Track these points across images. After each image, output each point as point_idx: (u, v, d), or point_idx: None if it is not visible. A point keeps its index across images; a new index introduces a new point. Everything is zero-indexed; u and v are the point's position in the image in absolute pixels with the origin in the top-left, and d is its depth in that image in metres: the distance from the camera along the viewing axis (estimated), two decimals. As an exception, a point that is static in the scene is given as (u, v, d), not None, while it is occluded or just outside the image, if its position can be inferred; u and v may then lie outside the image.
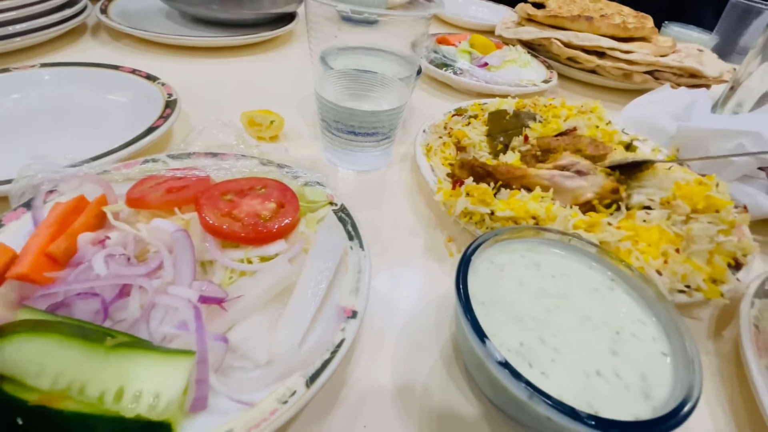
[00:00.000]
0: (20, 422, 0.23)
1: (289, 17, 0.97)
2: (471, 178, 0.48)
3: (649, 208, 0.47)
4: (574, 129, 0.58)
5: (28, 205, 0.39)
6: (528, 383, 0.25)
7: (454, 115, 0.64)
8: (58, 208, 0.37)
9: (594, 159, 0.51)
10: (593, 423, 0.24)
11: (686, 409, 0.25)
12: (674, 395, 0.27)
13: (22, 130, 0.55)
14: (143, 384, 0.25)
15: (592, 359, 0.29)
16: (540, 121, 0.61)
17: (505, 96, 0.70)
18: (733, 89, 0.77)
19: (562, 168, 0.48)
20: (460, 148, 0.57)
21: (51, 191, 0.40)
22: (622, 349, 0.30)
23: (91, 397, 0.24)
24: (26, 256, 0.32)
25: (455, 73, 0.82)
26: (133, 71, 0.64)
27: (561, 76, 0.93)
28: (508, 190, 0.47)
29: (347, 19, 0.46)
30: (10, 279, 0.31)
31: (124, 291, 0.32)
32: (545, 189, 0.46)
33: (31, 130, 0.55)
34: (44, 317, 0.29)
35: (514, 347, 0.29)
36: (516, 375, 0.25)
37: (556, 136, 0.57)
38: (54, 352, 0.25)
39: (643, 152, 0.60)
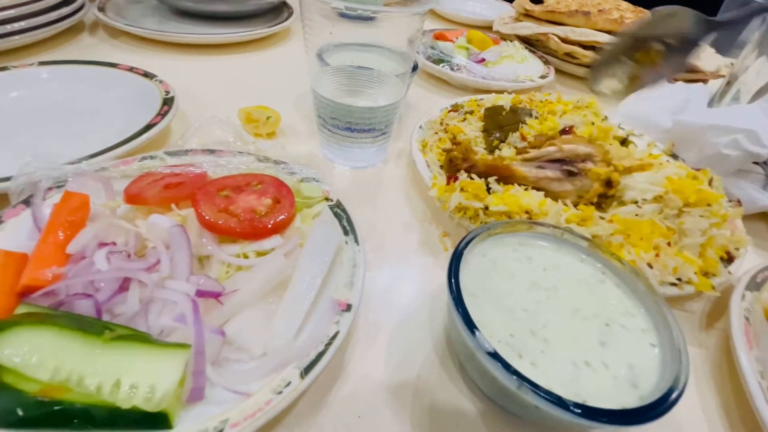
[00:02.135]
0: (21, 413, 0.24)
1: (284, 10, 0.98)
2: (465, 174, 0.48)
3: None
4: (572, 128, 0.58)
5: (27, 202, 0.39)
6: (516, 373, 0.25)
7: (450, 111, 0.64)
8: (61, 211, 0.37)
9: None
10: (579, 411, 0.24)
11: (672, 397, 0.26)
12: (661, 385, 0.27)
13: (20, 128, 0.55)
14: (139, 376, 0.25)
15: (580, 350, 0.29)
16: (536, 117, 0.61)
17: (501, 92, 0.71)
18: (729, 84, 0.77)
19: (555, 160, 0.49)
20: (456, 143, 0.57)
21: (50, 188, 0.41)
22: (611, 340, 0.30)
23: (89, 388, 0.25)
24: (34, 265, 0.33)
25: (452, 68, 0.82)
26: (131, 69, 0.64)
27: (558, 71, 0.93)
28: (501, 184, 0.48)
29: (343, 15, 0.46)
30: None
31: (123, 286, 0.33)
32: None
33: (29, 128, 0.56)
34: (44, 311, 0.29)
35: (504, 338, 0.29)
36: (505, 365, 0.26)
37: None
38: (54, 344, 0.26)
39: (638, 148, 0.61)
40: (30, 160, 0.41)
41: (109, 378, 0.25)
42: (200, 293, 0.32)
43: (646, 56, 0.43)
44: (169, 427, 0.26)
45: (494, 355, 0.26)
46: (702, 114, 0.69)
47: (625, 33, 0.44)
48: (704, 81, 0.89)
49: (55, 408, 0.24)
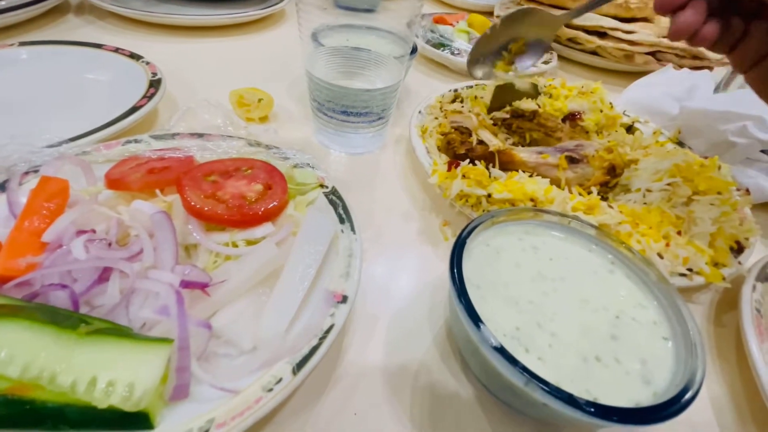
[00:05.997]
0: (-12, 412, 0.22)
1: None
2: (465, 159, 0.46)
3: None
4: (580, 116, 0.56)
5: (2, 187, 0.37)
6: (524, 369, 0.24)
7: (453, 101, 0.62)
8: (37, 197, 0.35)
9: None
10: (592, 410, 0.22)
11: (688, 395, 0.24)
12: (676, 381, 0.26)
13: (-1, 110, 0.53)
14: (117, 373, 0.23)
15: (590, 344, 0.28)
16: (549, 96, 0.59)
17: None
18: (735, 71, 0.75)
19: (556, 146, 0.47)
20: (455, 128, 0.55)
21: (27, 173, 0.38)
22: (622, 333, 0.29)
23: (62, 386, 0.23)
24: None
25: (452, 53, 0.80)
26: (116, 50, 0.62)
27: (561, 57, 0.91)
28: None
29: (338, 6, 0.44)
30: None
31: (103, 276, 0.31)
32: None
33: (8, 110, 0.53)
34: (16, 303, 0.27)
35: (509, 332, 0.28)
36: (512, 360, 0.24)
37: (563, 120, 0.56)
38: (25, 339, 0.24)
39: (644, 135, 0.59)
40: (6, 142, 0.39)
41: (85, 375, 0.23)
42: (185, 284, 0.30)
43: (513, 47, 0.55)
44: (150, 427, 0.24)
45: (500, 350, 0.25)
46: (709, 100, 0.67)
47: (491, 29, 0.54)
48: (710, 68, 0.87)
49: (26, 407, 0.23)
